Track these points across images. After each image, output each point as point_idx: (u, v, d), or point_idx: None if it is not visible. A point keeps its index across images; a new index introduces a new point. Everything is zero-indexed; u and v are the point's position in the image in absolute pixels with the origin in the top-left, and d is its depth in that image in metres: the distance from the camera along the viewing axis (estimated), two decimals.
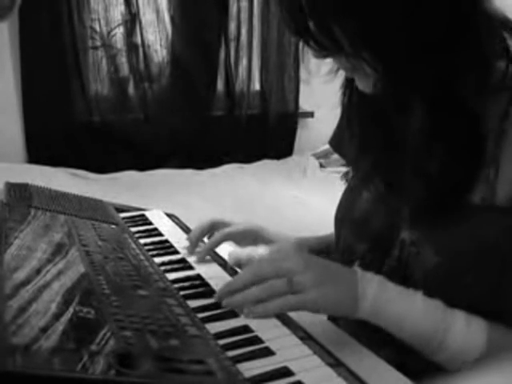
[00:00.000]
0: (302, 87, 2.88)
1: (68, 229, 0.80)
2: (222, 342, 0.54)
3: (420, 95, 0.58)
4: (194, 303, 0.63)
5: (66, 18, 2.35)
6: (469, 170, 0.59)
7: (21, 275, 0.56)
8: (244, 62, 2.78)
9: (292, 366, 0.51)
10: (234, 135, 2.76)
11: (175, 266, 0.77)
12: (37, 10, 2.27)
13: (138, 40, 2.53)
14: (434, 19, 0.55)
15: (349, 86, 0.70)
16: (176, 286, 0.68)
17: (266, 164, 2.71)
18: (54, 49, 2.35)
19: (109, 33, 2.49)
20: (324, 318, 0.71)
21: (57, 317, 0.48)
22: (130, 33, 2.51)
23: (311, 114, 2.97)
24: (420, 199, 0.62)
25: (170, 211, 1.08)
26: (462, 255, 0.59)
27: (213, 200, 1.97)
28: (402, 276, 0.63)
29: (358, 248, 0.71)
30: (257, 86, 2.85)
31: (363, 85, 0.62)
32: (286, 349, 0.55)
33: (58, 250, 0.69)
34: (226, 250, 0.87)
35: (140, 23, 2.51)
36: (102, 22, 2.47)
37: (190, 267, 0.77)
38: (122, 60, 2.53)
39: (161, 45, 2.59)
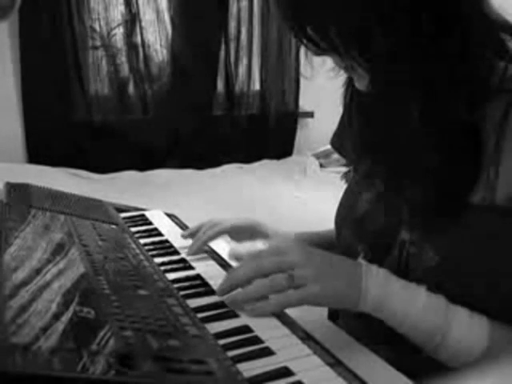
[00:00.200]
0: (302, 87, 2.88)
1: (68, 229, 0.80)
2: (221, 341, 0.54)
3: (411, 97, 0.58)
4: (193, 303, 0.63)
5: (66, 18, 2.35)
6: (468, 171, 0.59)
7: (21, 275, 0.56)
8: (244, 61, 2.78)
9: (292, 366, 0.51)
10: (234, 135, 2.76)
11: (175, 265, 0.77)
12: (37, 9, 2.27)
13: (138, 40, 2.53)
14: (423, 22, 0.55)
15: (350, 84, 0.70)
16: (176, 285, 0.68)
17: (265, 164, 2.71)
18: (54, 49, 2.35)
19: (109, 33, 2.49)
20: (324, 317, 0.71)
21: (57, 317, 0.48)
22: (129, 33, 2.51)
23: (311, 114, 2.97)
24: (419, 200, 0.62)
25: (170, 211, 1.08)
26: (462, 255, 0.59)
27: (213, 200, 1.97)
28: (402, 276, 0.62)
29: (359, 248, 0.71)
30: (257, 86, 2.85)
31: (360, 84, 0.63)
32: (286, 349, 0.55)
33: (58, 250, 0.69)
34: (225, 249, 0.87)
35: (140, 23, 2.51)
36: (102, 22, 2.47)
37: (190, 267, 0.77)
38: (122, 60, 2.53)
39: (161, 45, 2.59)
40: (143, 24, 2.52)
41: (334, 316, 0.75)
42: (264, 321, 0.60)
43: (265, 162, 2.73)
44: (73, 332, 0.46)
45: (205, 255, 0.83)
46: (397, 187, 0.65)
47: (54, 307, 0.50)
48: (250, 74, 2.79)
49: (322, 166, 2.72)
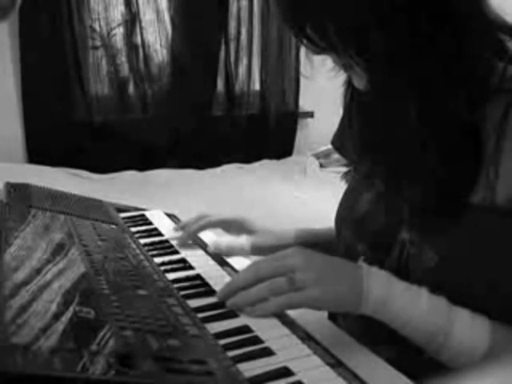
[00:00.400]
0: (302, 87, 2.88)
1: (68, 229, 0.80)
2: (222, 341, 0.54)
3: (410, 96, 0.58)
4: (193, 303, 0.63)
5: (66, 18, 2.35)
6: (468, 171, 0.59)
7: (21, 275, 0.56)
8: (244, 61, 2.78)
9: (292, 366, 0.51)
10: (234, 135, 2.76)
11: (175, 265, 0.77)
12: (37, 9, 2.27)
13: (138, 40, 2.53)
14: (421, 21, 0.55)
15: (350, 84, 0.70)
16: (176, 285, 0.68)
17: (265, 164, 2.71)
18: (54, 49, 2.35)
19: (109, 33, 2.49)
20: (324, 318, 0.71)
21: (57, 317, 0.48)
22: (129, 33, 2.51)
23: (311, 114, 2.97)
24: (419, 200, 0.62)
25: (170, 211, 1.08)
26: (462, 255, 0.59)
27: (213, 200, 1.96)
28: (402, 276, 0.62)
29: (359, 248, 0.71)
30: (257, 86, 2.85)
31: (358, 83, 0.63)
32: (286, 349, 0.55)
33: (58, 250, 0.69)
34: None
35: (140, 23, 2.51)
36: (102, 22, 2.47)
37: (190, 267, 0.77)
38: (122, 60, 2.53)
39: (161, 45, 2.59)
40: (143, 24, 2.52)
41: (334, 316, 0.75)
42: (264, 321, 0.60)
43: (265, 161, 2.73)
44: (73, 332, 0.46)
45: (205, 256, 0.83)
46: (396, 187, 0.65)
47: (53, 307, 0.50)
48: (250, 74, 2.79)
49: (321, 165, 2.72)
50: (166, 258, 0.80)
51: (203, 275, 0.73)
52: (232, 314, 0.62)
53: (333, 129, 0.84)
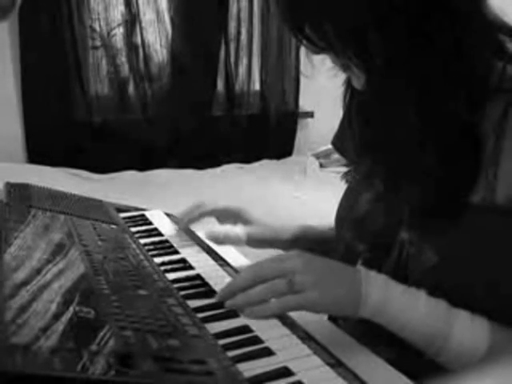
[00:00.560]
0: (303, 87, 2.88)
1: (68, 229, 0.80)
2: (221, 341, 0.54)
3: (408, 97, 0.59)
4: (193, 303, 0.63)
5: (66, 18, 2.35)
6: (467, 171, 0.59)
7: (21, 275, 0.56)
8: (244, 61, 2.78)
9: (292, 366, 0.51)
10: (234, 135, 2.76)
11: (175, 265, 0.77)
12: (37, 10, 2.27)
13: (138, 40, 2.53)
14: (419, 21, 0.55)
15: (350, 84, 0.70)
16: (176, 285, 0.68)
17: (265, 164, 2.71)
18: (54, 49, 2.35)
19: (109, 33, 2.49)
20: (324, 317, 0.71)
21: (57, 317, 0.48)
22: (130, 33, 2.51)
23: (311, 114, 2.97)
24: (418, 200, 0.62)
25: (170, 211, 1.08)
26: (461, 255, 0.59)
27: (213, 200, 1.96)
28: (402, 276, 0.62)
29: (359, 248, 0.71)
30: (257, 86, 2.85)
31: (356, 83, 0.63)
32: (286, 349, 0.55)
33: (58, 250, 0.69)
34: (223, 248, 0.87)
35: (140, 23, 2.51)
36: (102, 22, 2.47)
37: (190, 267, 0.77)
38: (122, 60, 2.53)
39: (161, 45, 2.59)
40: (143, 24, 2.52)
41: (334, 317, 0.75)
42: (264, 321, 0.60)
43: (265, 161, 2.73)
44: (73, 332, 0.46)
45: (205, 256, 0.83)
46: (395, 187, 0.65)
47: (53, 307, 0.50)
48: (250, 74, 2.79)
49: (321, 165, 2.72)
50: (166, 258, 0.80)
51: (203, 275, 0.73)
52: (232, 314, 0.62)
53: (333, 129, 0.84)
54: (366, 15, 0.55)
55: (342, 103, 0.73)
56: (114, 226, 0.90)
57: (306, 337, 0.58)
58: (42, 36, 2.32)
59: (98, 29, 2.46)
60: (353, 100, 0.72)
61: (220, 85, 2.74)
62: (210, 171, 2.52)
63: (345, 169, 0.81)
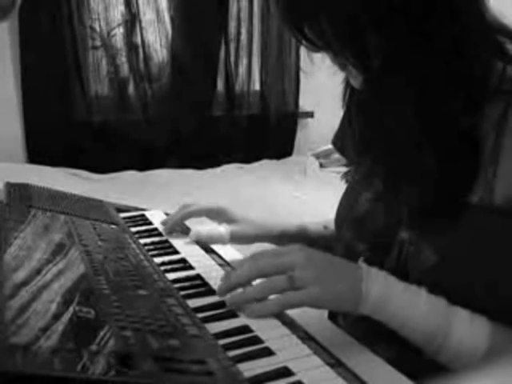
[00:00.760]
0: (302, 87, 2.88)
1: (68, 229, 0.80)
2: (221, 341, 0.54)
3: (406, 97, 0.59)
4: (193, 303, 0.63)
5: (66, 18, 2.35)
6: (466, 171, 0.59)
7: (21, 275, 0.56)
8: (244, 61, 2.78)
9: (292, 366, 0.51)
10: (234, 135, 2.76)
11: (175, 265, 0.77)
12: (37, 9, 2.27)
13: (138, 40, 2.53)
14: (418, 20, 0.55)
15: (349, 82, 0.70)
16: (176, 285, 0.68)
17: (265, 164, 2.71)
18: (54, 49, 2.35)
19: (109, 33, 2.49)
20: (324, 318, 0.71)
21: (57, 317, 0.48)
22: (129, 33, 2.52)
23: (311, 114, 2.97)
24: (417, 201, 0.62)
25: (170, 211, 1.08)
26: (460, 255, 0.59)
27: (213, 200, 1.96)
28: (402, 275, 0.62)
29: (359, 247, 0.71)
30: (257, 86, 2.85)
31: (354, 82, 0.63)
32: (286, 349, 0.55)
33: (58, 250, 0.69)
34: (223, 250, 0.87)
35: (140, 23, 2.51)
36: (102, 22, 2.47)
37: (190, 267, 0.77)
38: (122, 60, 2.53)
39: (161, 45, 2.59)
40: (143, 24, 2.52)
41: (334, 316, 0.75)
42: (264, 321, 0.60)
43: (265, 162, 2.73)
44: (73, 332, 0.46)
45: (206, 256, 0.83)
46: (395, 188, 0.65)
47: (53, 307, 0.50)
48: (250, 74, 2.79)
49: (321, 166, 2.72)
50: (166, 258, 0.80)
51: (203, 275, 0.73)
52: (232, 314, 0.62)
53: (333, 129, 0.84)
54: (362, 16, 0.56)
55: (342, 101, 0.74)
56: (113, 226, 0.90)
57: (306, 337, 0.58)
58: (41, 36, 2.32)
59: (98, 29, 2.46)
60: (352, 98, 0.72)
61: (220, 85, 2.74)
62: (209, 171, 2.52)
63: (345, 169, 0.82)
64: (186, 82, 2.62)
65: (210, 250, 0.86)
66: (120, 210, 1.04)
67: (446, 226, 0.60)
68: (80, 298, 0.54)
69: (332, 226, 0.88)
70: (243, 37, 2.75)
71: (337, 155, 2.63)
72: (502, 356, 0.55)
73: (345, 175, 0.80)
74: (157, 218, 1.02)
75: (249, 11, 2.73)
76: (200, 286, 0.70)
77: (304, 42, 0.60)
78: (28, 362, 0.39)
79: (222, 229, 0.88)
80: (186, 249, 0.85)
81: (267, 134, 2.83)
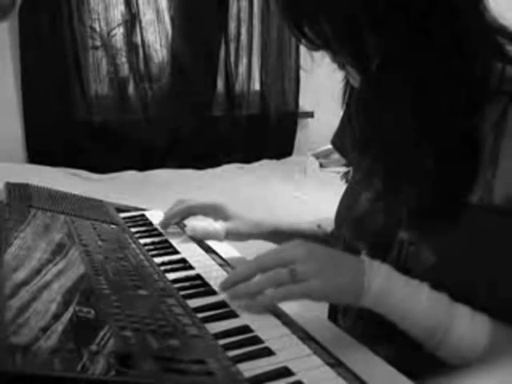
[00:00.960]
0: (302, 87, 2.88)
1: (68, 229, 0.80)
2: (221, 341, 0.54)
3: (404, 97, 0.59)
4: (194, 303, 0.63)
5: (66, 18, 2.35)
6: (465, 171, 0.59)
7: (21, 275, 0.56)
8: (244, 61, 2.78)
9: (292, 366, 0.51)
10: (234, 135, 2.76)
11: (175, 265, 0.77)
12: (37, 9, 2.27)
13: (138, 40, 2.53)
14: (416, 20, 0.56)
15: (349, 82, 0.70)
16: (176, 285, 0.68)
17: (265, 164, 2.71)
18: (54, 49, 2.35)
19: (109, 33, 2.49)
20: (324, 318, 0.71)
21: (57, 317, 0.48)
22: (130, 33, 2.52)
23: (311, 114, 2.97)
24: (416, 202, 0.62)
25: None
26: (460, 255, 0.59)
27: (212, 200, 1.96)
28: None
29: (358, 247, 0.71)
30: (257, 86, 2.85)
31: (353, 81, 0.63)
32: (286, 349, 0.55)
33: (58, 250, 0.69)
34: (223, 247, 0.87)
35: (140, 23, 2.51)
36: (102, 22, 2.47)
37: (190, 267, 0.77)
38: (122, 60, 2.53)
39: (161, 45, 2.59)
40: (143, 24, 2.52)
41: (334, 316, 0.75)
42: (264, 321, 0.60)
43: (265, 161, 2.73)
44: (73, 332, 0.46)
45: (206, 256, 0.83)
46: (395, 188, 0.65)
47: (53, 307, 0.50)
48: (250, 74, 2.80)
49: (321, 165, 2.72)
50: (166, 258, 0.80)
51: (203, 275, 0.73)
52: (232, 314, 0.62)
53: (333, 129, 0.85)
54: (362, 15, 0.56)
55: (342, 100, 0.74)
56: (113, 226, 0.90)
57: (306, 337, 0.58)
58: (41, 36, 2.32)
59: (98, 29, 2.46)
60: (352, 97, 0.72)
61: (220, 85, 2.74)
62: (209, 171, 2.52)
63: (345, 169, 0.82)
64: (186, 82, 2.62)
65: (209, 250, 0.86)
66: (120, 209, 1.04)
67: (445, 227, 0.60)
68: (80, 298, 0.54)
69: (326, 225, 0.88)
70: (243, 37, 2.75)
71: (337, 155, 2.63)
72: (501, 355, 0.55)
73: (345, 175, 0.81)
74: (157, 218, 1.02)
75: (249, 11, 2.73)
76: (200, 286, 0.70)
77: (303, 40, 0.60)
78: (28, 362, 0.39)
79: (218, 225, 0.89)
80: (185, 249, 0.85)
81: (267, 133, 2.83)
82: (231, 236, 0.90)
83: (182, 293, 0.66)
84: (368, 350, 0.58)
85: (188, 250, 0.85)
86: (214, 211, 0.92)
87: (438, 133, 0.59)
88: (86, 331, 0.47)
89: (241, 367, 0.50)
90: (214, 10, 2.63)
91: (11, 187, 0.94)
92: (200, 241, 0.90)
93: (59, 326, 0.46)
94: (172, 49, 2.60)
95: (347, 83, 0.72)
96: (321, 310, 0.71)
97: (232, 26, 2.72)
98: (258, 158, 2.73)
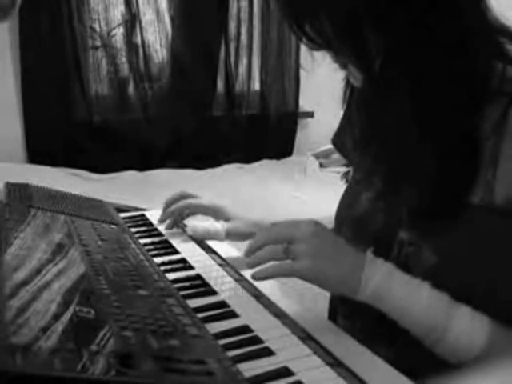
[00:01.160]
0: (302, 87, 2.88)
1: (68, 229, 0.80)
2: (221, 341, 0.54)
3: (405, 96, 0.59)
4: (193, 303, 0.63)
5: (66, 18, 2.35)
6: (466, 172, 0.59)
7: (21, 275, 0.56)
8: (244, 61, 2.78)
9: (292, 366, 0.51)
10: (234, 135, 2.76)
11: (175, 265, 0.77)
12: (37, 9, 2.27)
13: (138, 40, 2.53)
14: (417, 18, 0.56)
15: (349, 81, 0.70)
16: (176, 285, 0.68)
17: (265, 164, 2.71)
18: (54, 49, 2.35)
19: (109, 33, 2.49)
20: (324, 318, 0.71)
21: (57, 317, 0.48)
22: (130, 33, 2.51)
23: (311, 114, 2.97)
24: (416, 202, 0.62)
25: None
26: (460, 256, 0.59)
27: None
28: None
29: (358, 247, 0.71)
30: (257, 86, 2.85)
31: (354, 81, 0.63)
32: (286, 349, 0.55)
33: (58, 250, 0.69)
34: (223, 246, 0.87)
35: (140, 23, 2.51)
36: (102, 22, 2.47)
37: (190, 267, 0.77)
38: (122, 60, 2.53)
39: (161, 45, 2.59)
40: (143, 24, 2.52)
41: (334, 316, 0.75)
42: (264, 321, 0.60)
43: (265, 161, 2.73)
44: (73, 332, 0.46)
45: (206, 256, 0.83)
46: (395, 188, 0.65)
47: (53, 307, 0.50)
48: (250, 74, 2.79)
49: (321, 166, 2.72)
50: (166, 258, 0.80)
51: (203, 275, 0.73)
52: (232, 314, 0.62)
53: (333, 129, 0.85)
54: (362, 12, 0.56)
55: (342, 100, 0.74)
56: (113, 226, 0.90)
57: (306, 337, 0.58)
58: (41, 36, 2.32)
59: (98, 29, 2.46)
60: (353, 97, 0.72)
61: (220, 85, 2.74)
62: (209, 171, 2.52)
63: (345, 169, 0.82)
64: (186, 82, 2.62)
65: (209, 250, 0.86)
66: (120, 209, 1.04)
67: (445, 227, 0.60)
68: (80, 297, 0.54)
69: (325, 223, 0.88)
70: (243, 37, 2.75)
71: (337, 155, 2.63)
72: (499, 355, 0.55)
73: (345, 175, 0.81)
74: (157, 218, 1.02)
75: (249, 11, 2.73)
76: (200, 286, 0.70)
77: (304, 39, 0.60)
78: (28, 362, 0.39)
79: (219, 225, 0.90)
80: (185, 249, 0.85)
81: (267, 134, 2.83)
82: (232, 236, 0.91)
83: (182, 293, 0.66)
84: (368, 350, 0.58)
85: (188, 250, 0.85)
86: (213, 212, 0.93)
87: (439, 132, 0.59)
88: (86, 331, 0.47)
89: (241, 367, 0.50)
90: (214, 10, 2.62)
91: (11, 187, 0.94)
92: (200, 241, 0.90)
93: (59, 326, 0.46)
94: (172, 49, 2.60)
95: (348, 83, 0.72)
96: (321, 310, 0.71)
97: (232, 26, 2.72)
98: (258, 158, 2.73)
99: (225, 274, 0.76)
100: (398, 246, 0.65)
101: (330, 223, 0.85)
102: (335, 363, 0.53)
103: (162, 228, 0.96)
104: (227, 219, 0.91)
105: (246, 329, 0.58)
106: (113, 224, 0.91)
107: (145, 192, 2.05)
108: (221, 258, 0.83)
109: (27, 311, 0.47)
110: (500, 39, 0.60)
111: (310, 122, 3.00)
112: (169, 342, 0.50)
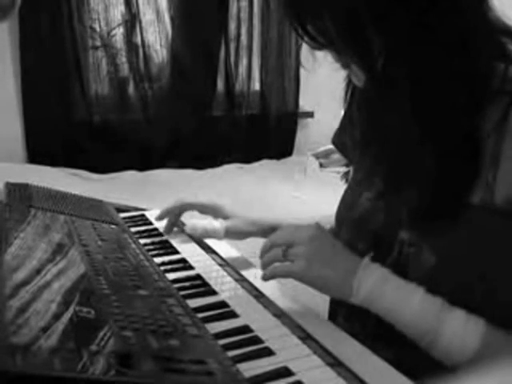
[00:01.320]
0: (303, 87, 2.88)
1: (68, 229, 0.80)
2: (221, 341, 0.54)
3: (407, 96, 0.59)
4: (193, 303, 0.63)
5: (66, 18, 2.34)
6: (466, 172, 0.59)
7: (21, 275, 0.56)
8: (244, 61, 2.78)
9: (292, 366, 0.51)
10: (234, 135, 2.76)
11: (175, 265, 0.77)
12: (37, 9, 2.27)
13: (138, 40, 2.52)
14: (418, 17, 0.56)
15: (351, 79, 0.70)
16: (176, 285, 0.68)
17: (265, 164, 2.71)
18: (54, 49, 2.34)
19: (109, 33, 2.49)
20: (324, 318, 0.71)
21: (57, 317, 0.48)
22: (130, 33, 2.51)
23: (311, 114, 2.97)
24: (416, 202, 0.62)
25: None
26: (460, 256, 0.59)
27: (213, 200, 1.96)
28: (402, 276, 0.62)
29: (358, 247, 0.71)
30: (257, 86, 2.85)
31: (356, 81, 0.63)
32: (286, 349, 0.55)
33: (58, 249, 0.69)
34: (226, 249, 0.87)
35: (140, 23, 2.51)
36: (102, 22, 2.47)
37: (190, 267, 0.77)
38: (122, 60, 2.53)
39: (161, 45, 2.59)
40: (143, 24, 2.52)
41: (334, 316, 0.75)
42: (264, 321, 0.60)
43: (265, 162, 2.73)
44: (73, 332, 0.46)
45: (206, 256, 0.83)
46: (396, 188, 0.65)
47: (54, 307, 0.50)
48: (250, 74, 2.79)
49: (321, 165, 2.71)
50: (166, 258, 0.80)
51: (203, 275, 0.73)
52: (232, 314, 0.62)
53: (333, 129, 0.85)
54: (364, 11, 0.56)
55: (343, 99, 0.74)
56: (113, 226, 0.90)
57: (306, 337, 0.58)
58: (41, 36, 2.31)
59: (98, 29, 2.46)
60: (354, 97, 0.72)
61: (220, 85, 2.73)
62: (209, 171, 2.52)
63: (345, 169, 0.82)
64: (186, 82, 2.61)
65: (209, 250, 0.86)
66: (120, 209, 1.04)
67: (445, 227, 0.60)
68: (80, 297, 0.54)
69: (325, 222, 0.88)
70: (243, 37, 2.75)
71: (337, 155, 2.62)
72: (496, 357, 0.55)
73: (345, 175, 0.81)
74: None
75: (249, 11, 2.73)
76: (200, 286, 0.70)
77: (306, 38, 0.60)
78: (28, 362, 0.39)
79: (218, 224, 0.90)
80: (185, 249, 0.85)
81: (267, 133, 2.83)
82: (231, 234, 0.91)
83: (182, 293, 0.66)
84: (368, 350, 0.58)
85: (188, 250, 0.85)
86: (212, 210, 0.93)
87: (440, 132, 0.59)
88: (86, 331, 0.47)
89: (241, 367, 0.50)
90: (214, 10, 2.62)
91: (11, 187, 0.94)
92: (200, 240, 0.90)
93: (59, 326, 0.46)
94: (172, 49, 2.60)
95: (349, 83, 0.72)
96: (321, 310, 0.71)
97: (232, 26, 2.72)
98: (258, 158, 2.72)
99: (225, 273, 0.76)
100: (399, 247, 0.65)
101: (329, 222, 0.85)
102: (335, 363, 0.53)
103: (161, 228, 0.96)
104: (226, 218, 0.91)
105: (246, 329, 0.58)
106: (113, 224, 0.91)
107: (145, 192, 2.05)
108: (221, 258, 0.83)
109: (27, 311, 0.47)
110: (502, 39, 0.60)
111: (310, 122, 3.00)
112: (169, 342, 0.50)
